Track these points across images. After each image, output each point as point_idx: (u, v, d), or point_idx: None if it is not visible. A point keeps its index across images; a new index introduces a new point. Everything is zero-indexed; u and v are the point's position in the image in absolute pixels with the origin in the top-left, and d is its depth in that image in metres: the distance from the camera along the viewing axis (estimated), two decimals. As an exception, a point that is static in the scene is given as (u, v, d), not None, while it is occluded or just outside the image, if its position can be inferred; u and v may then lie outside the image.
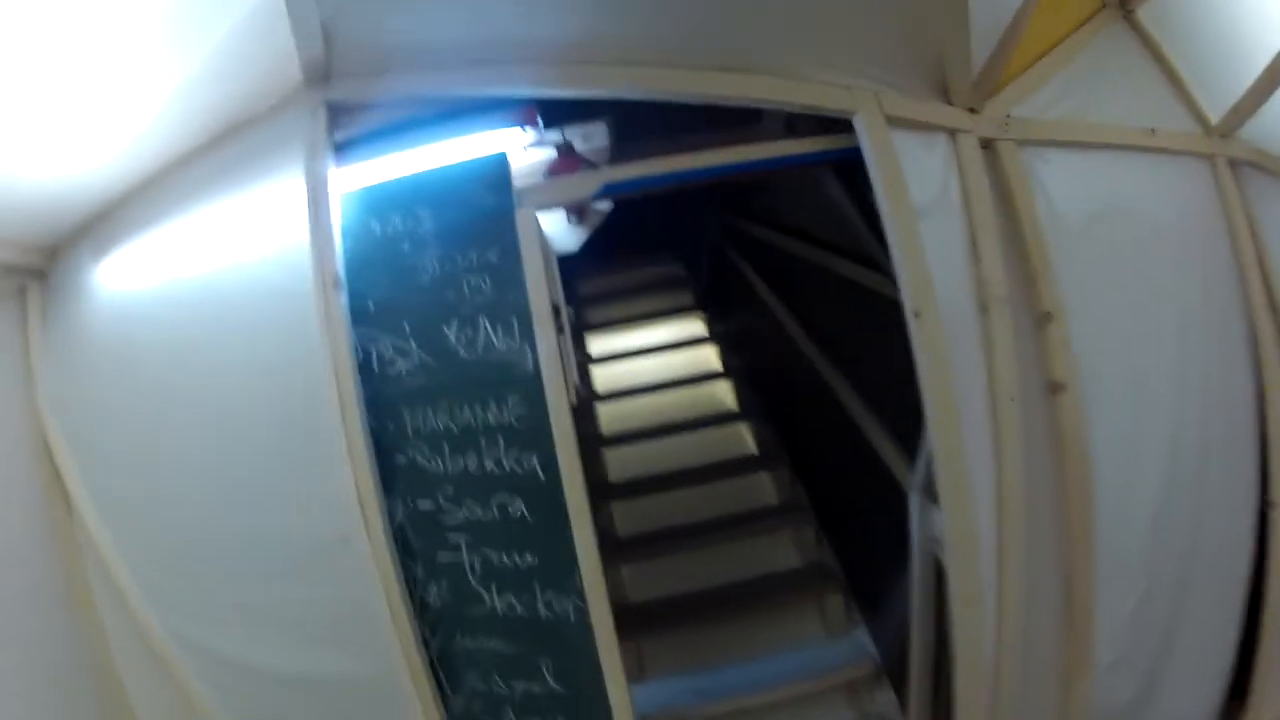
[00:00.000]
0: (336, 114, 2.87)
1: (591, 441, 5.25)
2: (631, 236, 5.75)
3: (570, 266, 3.86)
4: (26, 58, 2.17)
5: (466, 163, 3.01)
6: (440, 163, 3.02)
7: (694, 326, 6.71)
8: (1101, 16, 3.18)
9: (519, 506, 2.85)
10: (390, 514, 2.87)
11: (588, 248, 4.24)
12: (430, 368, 2.93)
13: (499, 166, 2.98)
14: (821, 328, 4.43)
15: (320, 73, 2.74)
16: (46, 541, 2.95)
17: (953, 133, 2.85)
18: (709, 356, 6.29)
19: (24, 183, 2.62)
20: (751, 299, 5.56)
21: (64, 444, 2.98)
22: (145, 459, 2.97)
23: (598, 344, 6.51)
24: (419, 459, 2.93)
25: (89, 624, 2.99)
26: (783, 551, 4.54)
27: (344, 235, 2.92)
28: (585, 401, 5.75)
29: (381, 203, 3.04)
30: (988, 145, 2.89)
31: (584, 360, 6.42)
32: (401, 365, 2.94)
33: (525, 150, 3.24)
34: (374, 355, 2.96)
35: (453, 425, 2.90)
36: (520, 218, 2.91)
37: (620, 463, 5.24)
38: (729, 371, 6.03)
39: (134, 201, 2.98)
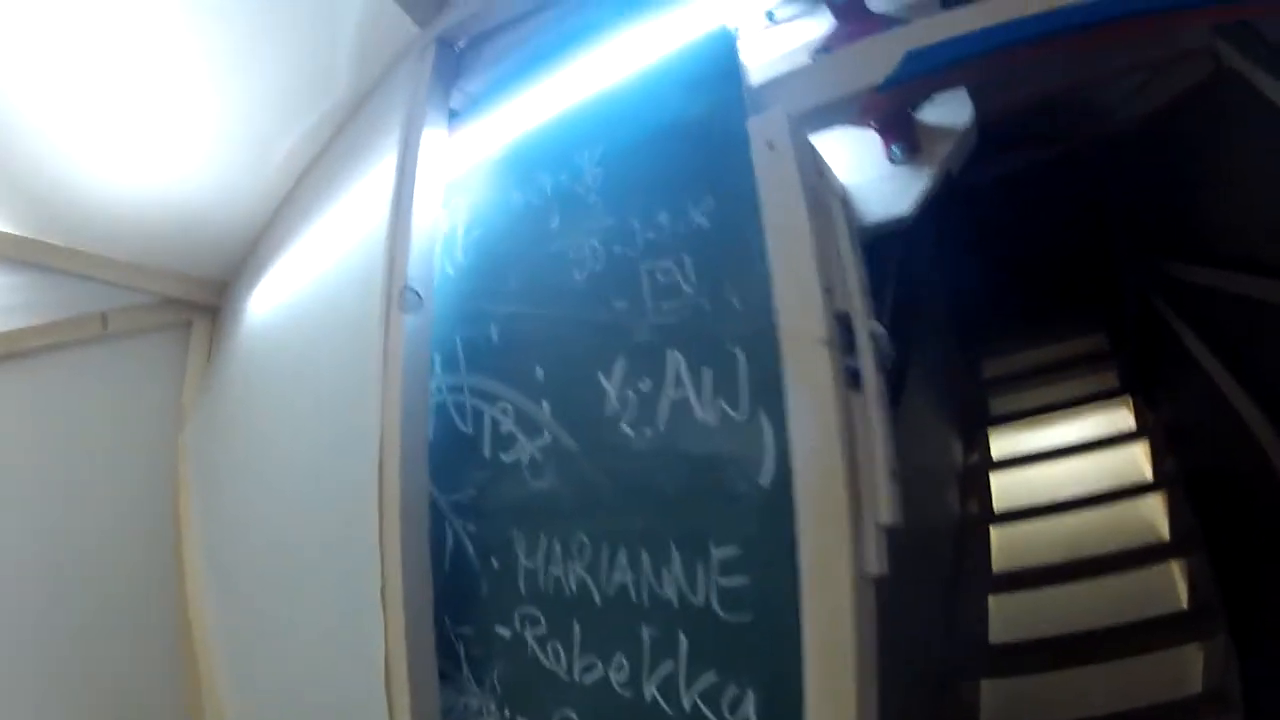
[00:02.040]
0: (459, 57, 1.93)
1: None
2: (1032, 296, 4.31)
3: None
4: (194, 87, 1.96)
5: (655, 64, 1.53)
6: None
7: (1116, 418, 4.51)
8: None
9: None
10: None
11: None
12: (568, 457, 1.42)
13: (715, 49, 1.45)
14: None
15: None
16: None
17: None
18: (1135, 460, 4.11)
19: (191, 213, 2.40)
20: (1193, 374, 3.43)
21: (193, 494, 2.53)
22: (241, 531, 2.25)
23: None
24: (527, 646, 1.42)
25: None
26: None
27: (472, 221, 1.70)
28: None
29: (526, 159, 1.67)
30: None
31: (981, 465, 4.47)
32: (522, 448, 1.46)
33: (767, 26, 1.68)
34: (481, 423, 1.54)
35: (595, 587, 1.35)
36: (757, 127, 1.33)
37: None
38: (1162, 481, 3.83)
39: (277, 218, 2.48)
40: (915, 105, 1.71)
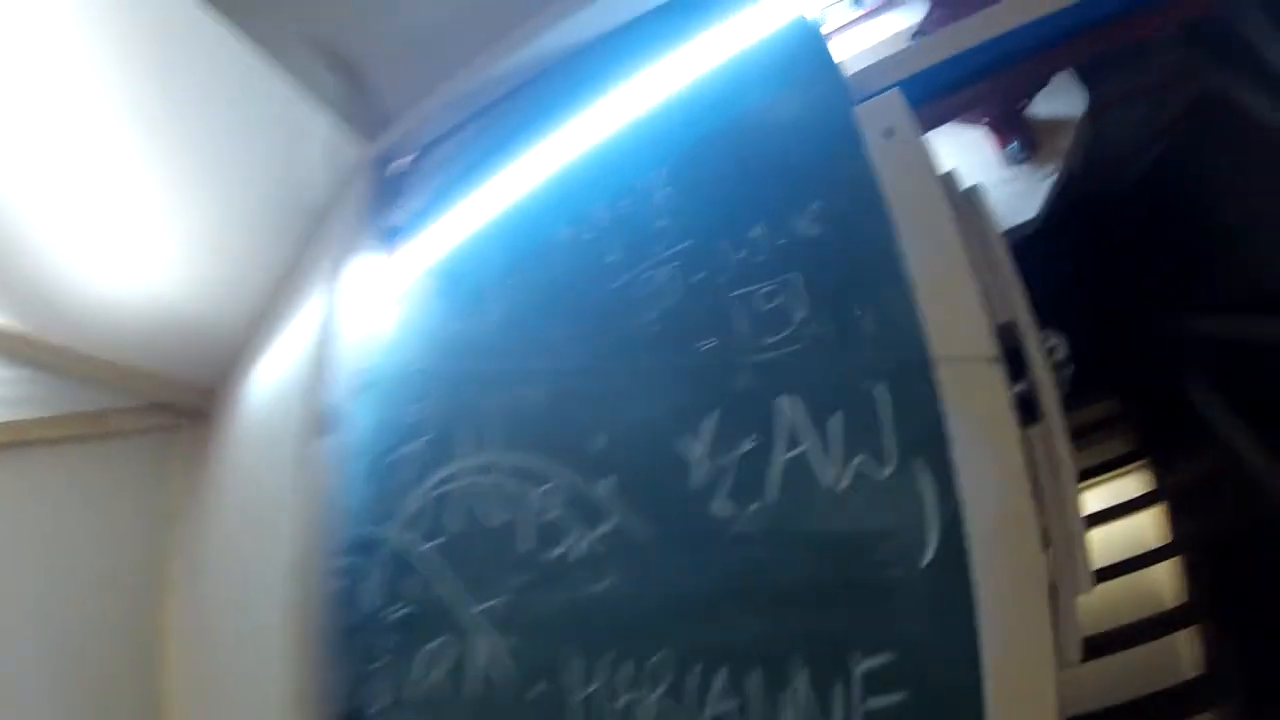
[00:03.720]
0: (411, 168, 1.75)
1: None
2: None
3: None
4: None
5: (724, 66, 1.27)
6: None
7: (1128, 484, 4.09)
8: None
9: None
10: None
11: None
12: (638, 550, 1.05)
13: (796, 40, 1.21)
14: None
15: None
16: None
17: None
18: (1147, 527, 3.69)
19: (182, 320, 2.26)
20: (1209, 431, 3.05)
21: (180, 595, 2.22)
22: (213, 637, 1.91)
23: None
24: None
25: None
26: None
27: (506, 267, 1.41)
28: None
29: (573, 189, 1.37)
30: None
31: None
32: (575, 540, 1.10)
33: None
34: (519, 511, 1.19)
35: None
36: (870, 114, 1.05)
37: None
38: (1178, 546, 3.41)
39: (257, 329, 2.27)
40: (1027, 98, 1.46)
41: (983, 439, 0.86)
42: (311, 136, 1.71)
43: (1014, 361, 0.91)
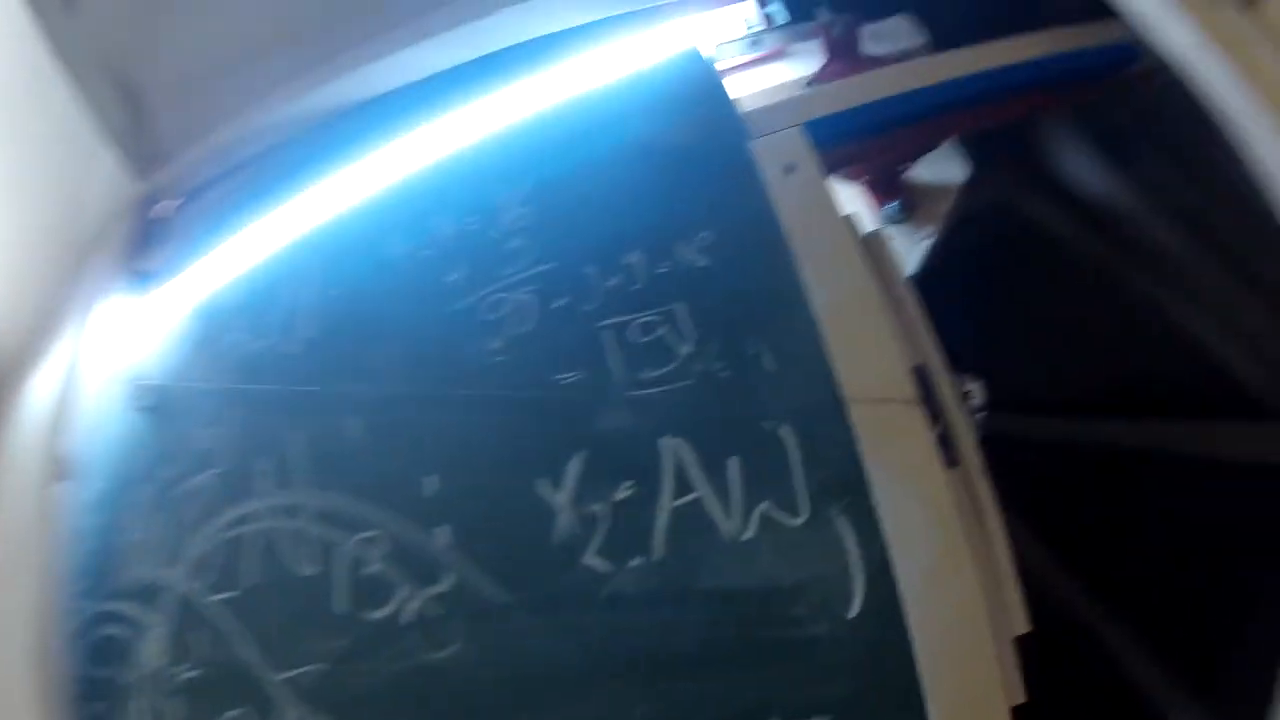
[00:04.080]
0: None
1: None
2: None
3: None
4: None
5: (605, 89, 1.18)
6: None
7: None
8: None
9: None
10: None
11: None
12: (488, 613, 0.89)
13: (687, 71, 1.15)
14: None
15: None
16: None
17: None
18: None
19: None
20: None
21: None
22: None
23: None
24: None
25: None
26: None
27: (326, 281, 1.19)
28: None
29: (412, 201, 1.19)
30: None
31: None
32: (404, 599, 0.92)
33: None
34: (332, 563, 0.98)
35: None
36: (768, 150, 1.01)
37: None
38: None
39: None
40: (907, 162, 1.49)
41: (907, 483, 0.81)
42: (99, 166, 1.44)
43: (931, 406, 0.88)
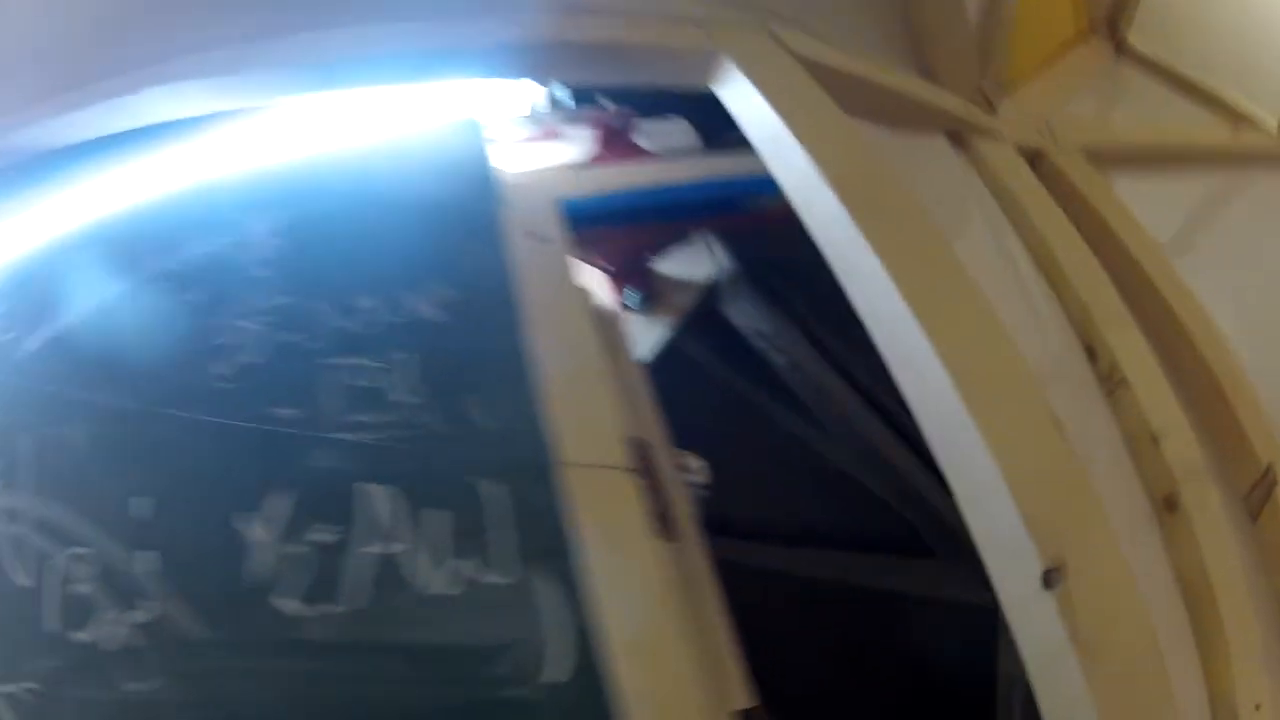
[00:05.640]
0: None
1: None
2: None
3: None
4: None
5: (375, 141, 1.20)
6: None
7: None
8: (1088, 49, 2.22)
9: None
10: None
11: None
12: (187, 650, 0.87)
13: (462, 133, 1.21)
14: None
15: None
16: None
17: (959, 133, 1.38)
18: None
19: None
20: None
21: None
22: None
23: None
24: None
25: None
26: None
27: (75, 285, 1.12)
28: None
29: (165, 221, 1.16)
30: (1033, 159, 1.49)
31: None
32: (107, 624, 0.89)
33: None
34: (43, 575, 0.94)
35: None
36: (518, 216, 1.04)
37: None
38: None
39: None
40: (654, 254, 1.54)
41: (615, 549, 0.85)
42: None
43: (648, 478, 0.92)
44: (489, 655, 0.83)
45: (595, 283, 1.28)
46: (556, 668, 0.82)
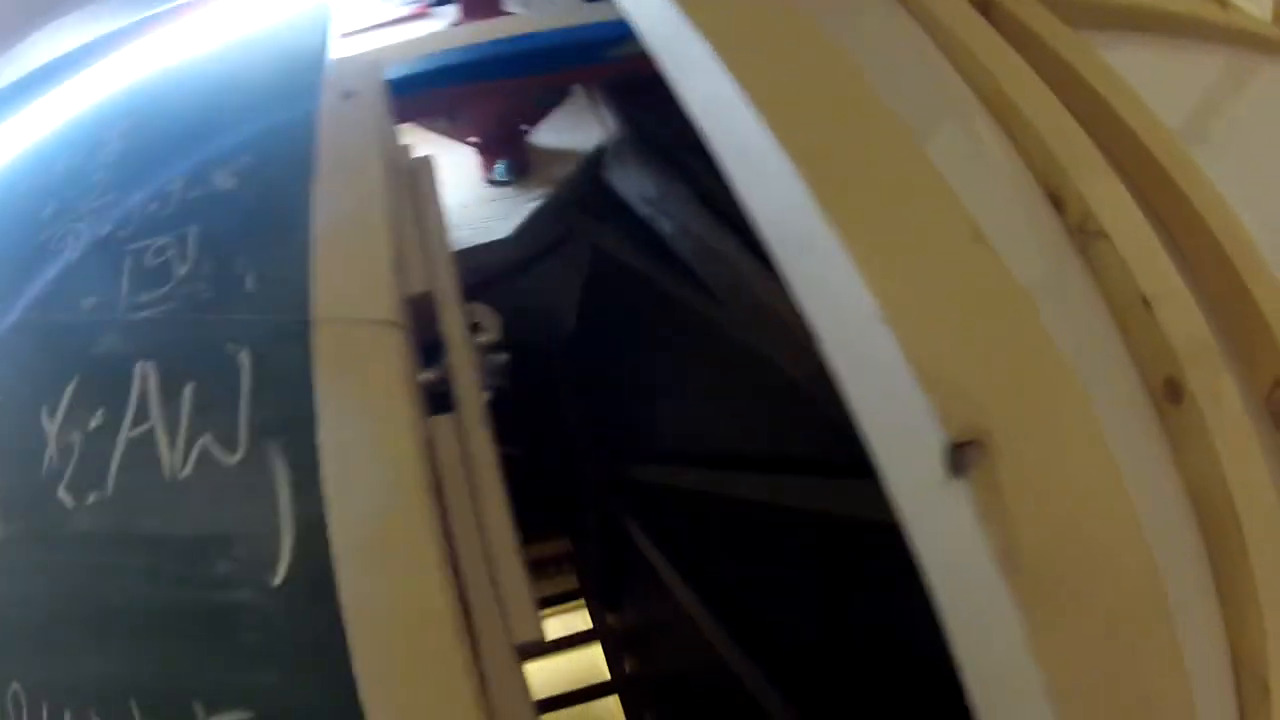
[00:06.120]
0: None
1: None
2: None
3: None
4: None
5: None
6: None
7: (576, 619, 4.06)
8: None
9: None
10: None
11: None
12: None
13: (303, 19, 1.12)
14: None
15: None
16: None
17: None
18: (595, 660, 3.69)
19: None
20: (649, 574, 2.96)
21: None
22: None
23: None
24: None
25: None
26: None
27: None
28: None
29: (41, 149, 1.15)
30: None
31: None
32: None
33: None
34: None
35: None
36: (335, 75, 0.94)
37: None
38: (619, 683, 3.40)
39: None
40: (527, 124, 1.42)
41: (360, 421, 0.71)
42: None
43: (429, 338, 0.79)
44: (215, 549, 0.71)
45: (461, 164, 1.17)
46: (278, 568, 0.67)
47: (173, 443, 0.76)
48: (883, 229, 0.64)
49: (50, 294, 0.93)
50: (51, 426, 0.84)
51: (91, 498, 0.79)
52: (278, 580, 0.67)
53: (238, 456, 0.73)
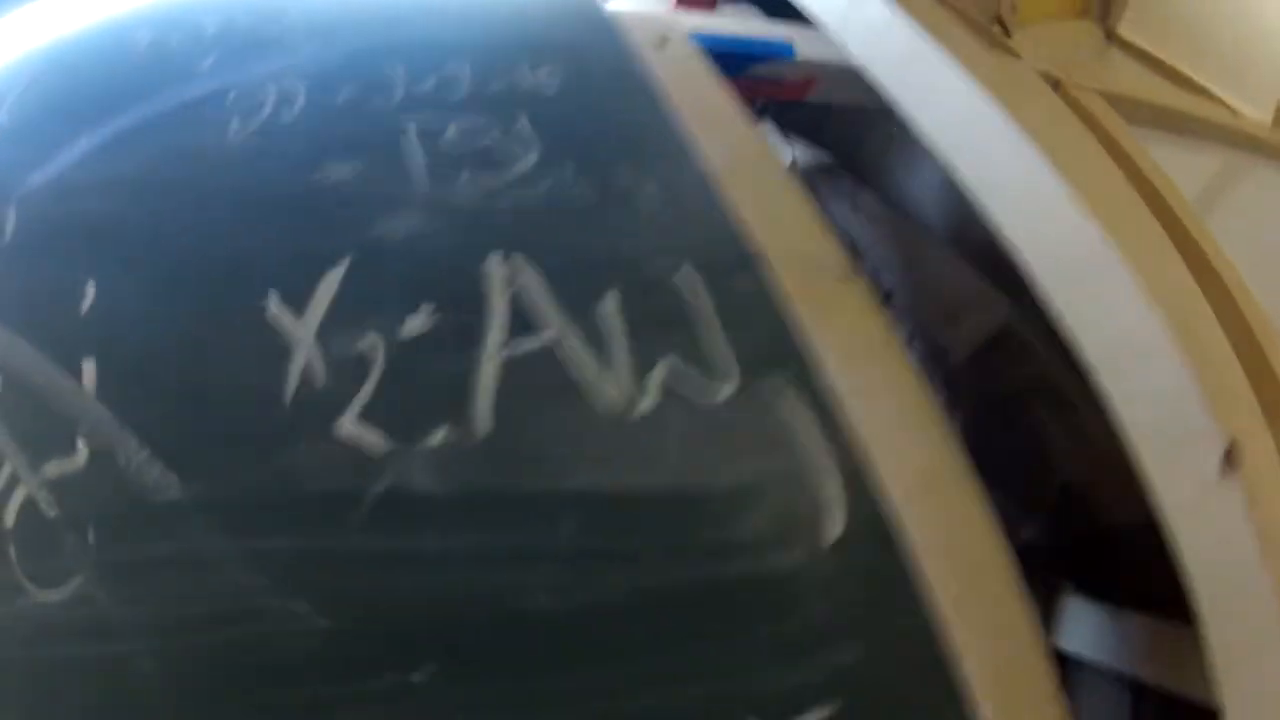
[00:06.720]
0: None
1: None
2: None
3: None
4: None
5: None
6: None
7: None
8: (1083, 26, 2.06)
9: None
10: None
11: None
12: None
13: None
14: None
15: None
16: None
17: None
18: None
19: None
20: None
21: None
22: None
23: None
24: None
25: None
26: None
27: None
28: None
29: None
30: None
31: None
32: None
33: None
34: None
35: None
36: (632, 24, 0.76)
37: None
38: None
39: None
40: None
41: (869, 363, 0.57)
42: None
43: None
44: (724, 507, 0.52)
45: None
46: (829, 520, 0.52)
47: (606, 365, 0.54)
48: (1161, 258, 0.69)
49: (257, 152, 0.63)
50: (298, 329, 0.55)
51: (437, 437, 0.52)
52: (831, 538, 0.51)
53: (728, 389, 0.54)
